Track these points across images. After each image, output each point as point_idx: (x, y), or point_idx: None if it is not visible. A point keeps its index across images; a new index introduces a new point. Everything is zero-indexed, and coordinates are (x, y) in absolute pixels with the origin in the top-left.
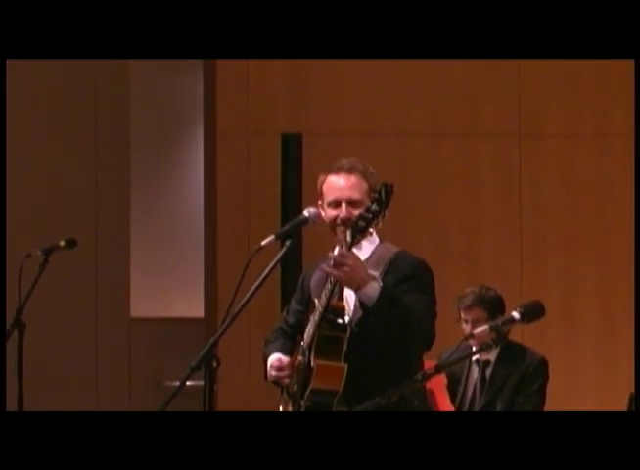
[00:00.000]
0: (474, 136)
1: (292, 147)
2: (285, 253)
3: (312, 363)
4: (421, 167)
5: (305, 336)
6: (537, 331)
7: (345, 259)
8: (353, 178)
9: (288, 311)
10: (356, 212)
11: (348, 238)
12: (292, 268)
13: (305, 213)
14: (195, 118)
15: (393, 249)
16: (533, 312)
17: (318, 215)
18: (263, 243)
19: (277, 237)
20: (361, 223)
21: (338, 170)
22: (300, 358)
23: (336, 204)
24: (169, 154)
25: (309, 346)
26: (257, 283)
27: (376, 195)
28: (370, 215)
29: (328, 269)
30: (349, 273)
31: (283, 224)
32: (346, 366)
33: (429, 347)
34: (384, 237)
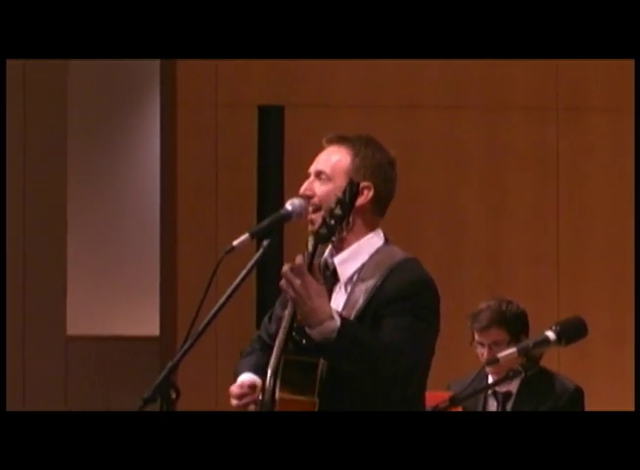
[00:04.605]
0: (500, 109)
1: (271, 122)
2: (262, 255)
3: (276, 395)
4: (433, 147)
5: (271, 358)
6: (577, 354)
7: (295, 279)
8: (336, 150)
9: (270, 317)
10: (319, 190)
11: (310, 248)
12: (270, 275)
13: (288, 206)
14: (150, 87)
15: (398, 255)
16: (573, 332)
17: (304, 209)
18: (235, 243)
19: (252, 236)
20: (322, 231)
21: (327, 141)
22: (267, 384)
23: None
24: (116, 132)
25: (275, 372)
26: (228, 293)
27: (340, 195)
28: (332, 221)
29: (281, 283)
30: (296, 299)
31: (260, 220)
32: (318, 401)
33: (410, 385)
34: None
